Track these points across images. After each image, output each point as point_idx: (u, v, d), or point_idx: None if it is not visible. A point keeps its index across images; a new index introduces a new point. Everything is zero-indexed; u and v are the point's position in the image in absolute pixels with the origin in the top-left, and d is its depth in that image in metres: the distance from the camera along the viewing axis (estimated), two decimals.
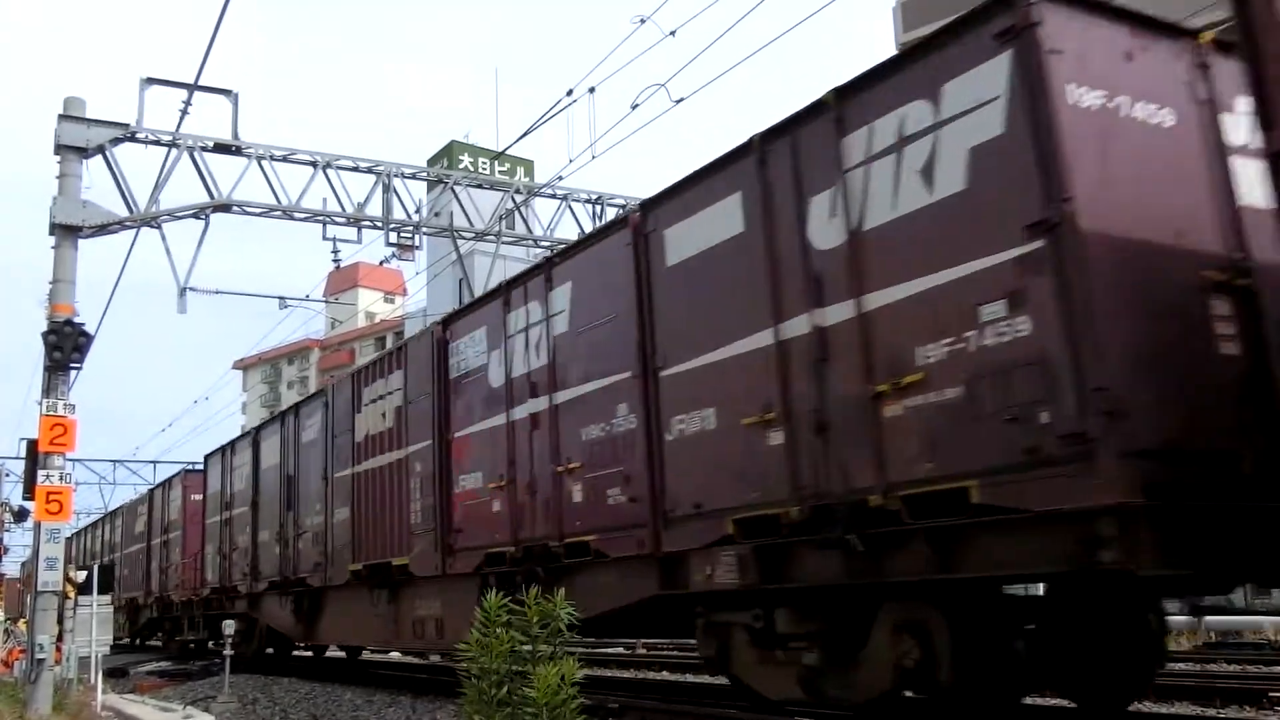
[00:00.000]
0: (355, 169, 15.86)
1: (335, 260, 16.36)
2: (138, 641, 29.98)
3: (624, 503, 8.10)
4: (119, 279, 15.00)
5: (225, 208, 14.91)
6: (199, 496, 21.09)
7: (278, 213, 15.33)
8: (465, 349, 10.73)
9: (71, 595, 16.26)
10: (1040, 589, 7.20)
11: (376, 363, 12.87)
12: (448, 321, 11.20)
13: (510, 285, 10.03)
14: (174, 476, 23.51)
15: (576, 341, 8.89)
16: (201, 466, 22.79)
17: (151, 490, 25.84)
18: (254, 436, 17.38)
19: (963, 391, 5.57)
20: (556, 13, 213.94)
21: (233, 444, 18.78)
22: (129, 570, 27.46)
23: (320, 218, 15.64)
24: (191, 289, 14.87)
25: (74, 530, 38.91)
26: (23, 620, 21.62)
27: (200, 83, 12.66)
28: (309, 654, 19.71)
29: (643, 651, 18.08)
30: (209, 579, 19.24)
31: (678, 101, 12.94)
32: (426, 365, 11.39)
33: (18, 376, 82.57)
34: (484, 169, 36.70)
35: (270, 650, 18.19)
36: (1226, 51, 5.87)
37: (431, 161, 38.94)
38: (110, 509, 33.02)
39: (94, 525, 35.06)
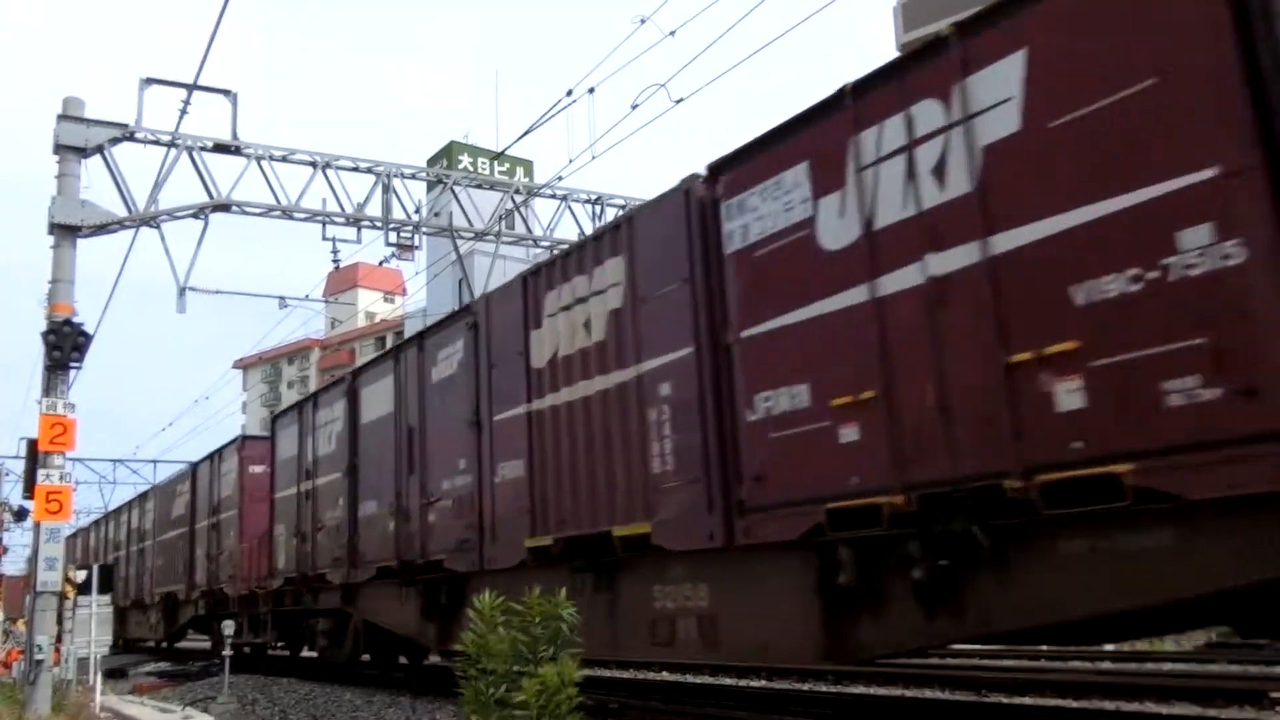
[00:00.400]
0: (355, 169, 15.79)
1: (335, 260, 16.21)
2: (164, 645, 26.27)
3: (1213, 400, 4.47)
4: (118, 279, 15.03)
5: (225, 208, 14.83)
6: (260, 469, 17.52)
7: (277, 213, 15.22)
8: (757, 206, 7.07)
9: (70, 595, 16.08)
10: None
11: (571, 254, 9.21)
12: (720, 169, 7.53)
13: (864, 88, 6.37)
14: (226, 446, 19.63)
15: (1051, 146, 5.25)
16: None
17: (194, 465, 21.89)
18: (349, 384, 13.70)
19: None
20: (556, 13, 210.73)
21: (315, 398, 15.09)
22: (164, 560, 23.53)
23: (320, 218, 15.54)
24: (191, 289, 14.76)
25: (91, 520, 35.61)
26: (22, 620, 20.95)
27: (200, 83, 12.70)
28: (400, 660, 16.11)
29: None
30: (279, 567, 15.57)
31: (678, 101, 12.85)
32: (677, 241, 7.72)
33: (18, 377, 79.79)
34: (484, 169, 37.48)
35: (367, 656, 14.57)
36: None
37: (431, 162, 38.56)
38: (141, 492, 29.13)
39: (117, 512, 31.10)
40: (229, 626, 14.86)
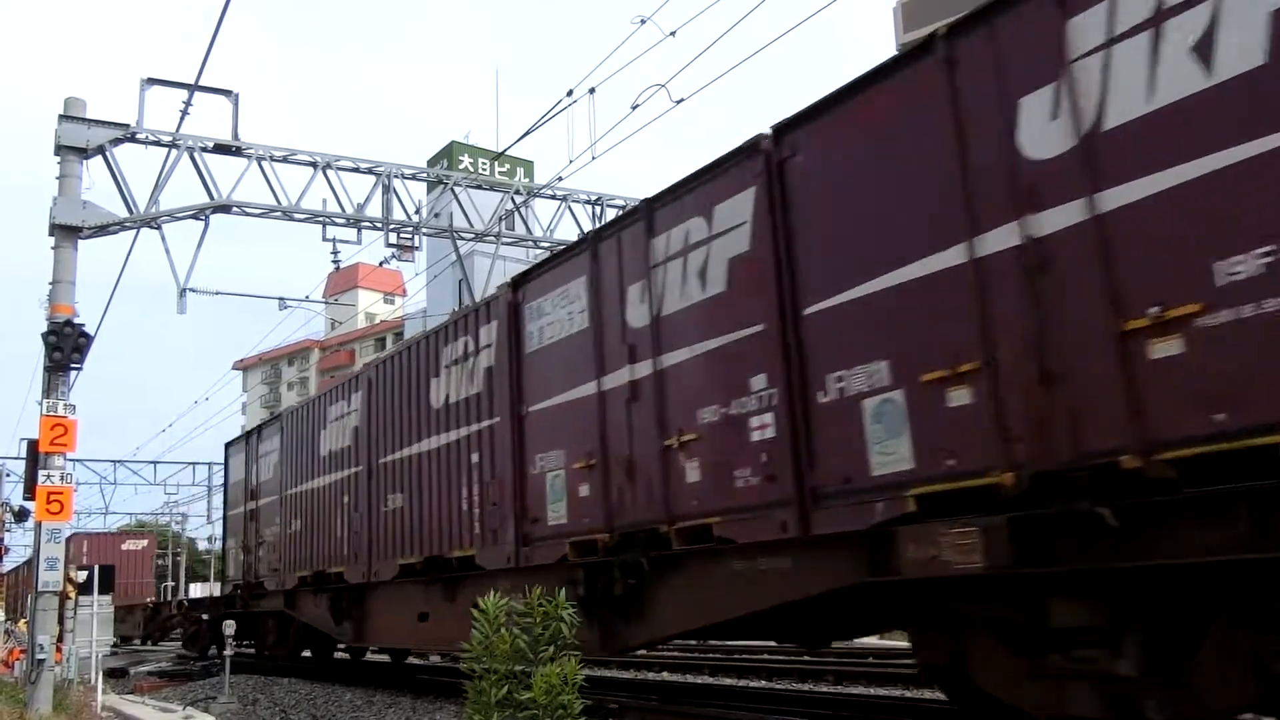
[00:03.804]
0: (355, 169, 15.94)
1: (335, 261, 16.38)
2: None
3: None
4: (119, 279, 14.94)
5: (225, 208, 14.96)
6: None
7: (278, 213, 15.35)
8: None
9: (72, 595, 16.31)
10: None
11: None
12: None
13: None
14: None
15: None
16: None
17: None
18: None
19: None
20: (556, 13, 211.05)
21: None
22: None
23: (320, 218, 15.70)
24: (191, 289, 14.90)
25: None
26: (23, 621, 21.51)
27: (200, 83, 12.64)
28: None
29: (643, 652, 15.28)
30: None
31: (678, 102, 13.03)
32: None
33: (18, 377, 79.88)
34: (484, 170, 37.34)
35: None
36: None
37: (431, 162, 38.90)
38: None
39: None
40: (230, 626, 14.92)
